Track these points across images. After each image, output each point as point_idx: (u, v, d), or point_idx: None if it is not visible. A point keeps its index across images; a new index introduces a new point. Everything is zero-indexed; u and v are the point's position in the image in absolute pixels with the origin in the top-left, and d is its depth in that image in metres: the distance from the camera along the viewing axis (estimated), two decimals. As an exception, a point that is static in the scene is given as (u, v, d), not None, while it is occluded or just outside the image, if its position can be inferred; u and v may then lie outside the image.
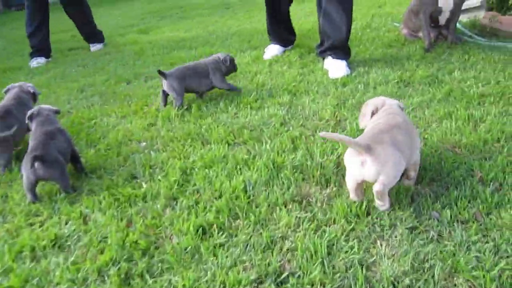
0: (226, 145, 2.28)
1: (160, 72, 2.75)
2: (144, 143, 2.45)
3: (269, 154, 2.09)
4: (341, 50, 3.29)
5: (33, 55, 4.89)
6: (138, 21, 7.34)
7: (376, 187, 1.57)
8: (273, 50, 3.88)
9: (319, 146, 2.11)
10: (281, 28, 3.90)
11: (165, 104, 2.87)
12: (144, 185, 2.00)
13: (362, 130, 1.83)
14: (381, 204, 1.63)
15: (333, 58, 3.26)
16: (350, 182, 1.67)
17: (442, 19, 3.55)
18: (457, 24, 3.79)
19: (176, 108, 2.78)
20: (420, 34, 3.64)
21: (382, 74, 3.01)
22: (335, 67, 3.17)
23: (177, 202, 1.84)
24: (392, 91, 2.71)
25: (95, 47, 5.33)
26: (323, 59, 3.40)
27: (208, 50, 4.32)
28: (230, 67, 2.97)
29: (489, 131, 2.09)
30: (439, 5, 3.42)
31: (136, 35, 5.85)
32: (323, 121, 2.44)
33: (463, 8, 4.03)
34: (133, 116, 2.84)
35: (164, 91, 2.85)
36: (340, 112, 2.51)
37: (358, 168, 1.59)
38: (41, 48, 4.92)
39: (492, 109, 2.32)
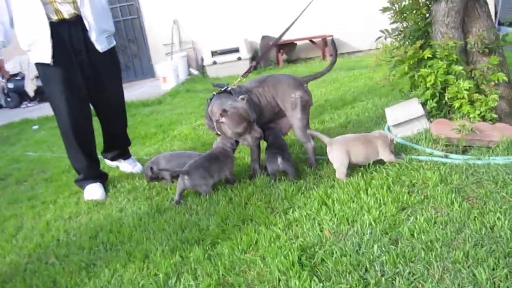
0: None
1: None
2: None
3: None
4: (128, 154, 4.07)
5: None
6: None
7: None
8: (96, 190, 3.46)
9: None
10: (96, 164, 3.70)
11: None
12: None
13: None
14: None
15: (125, 160, 4.01)
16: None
17: None
18: (415, 145, 3.36)
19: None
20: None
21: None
22: (128, 165, 3.96)
23: None
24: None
25: None
26: (112, 160, 4.04)
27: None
28: None
29: None
30: None
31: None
32: None
33: (404, 120, 3.68)
34: None
35: None
36: None
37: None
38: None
39: None
